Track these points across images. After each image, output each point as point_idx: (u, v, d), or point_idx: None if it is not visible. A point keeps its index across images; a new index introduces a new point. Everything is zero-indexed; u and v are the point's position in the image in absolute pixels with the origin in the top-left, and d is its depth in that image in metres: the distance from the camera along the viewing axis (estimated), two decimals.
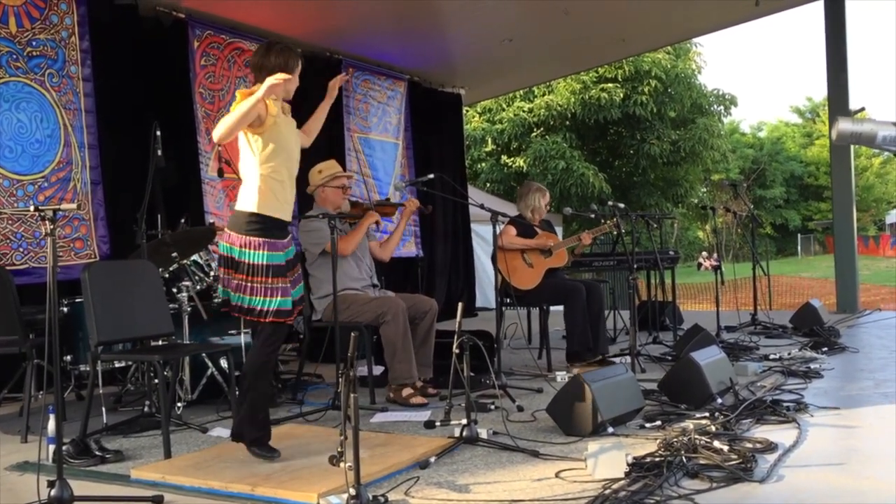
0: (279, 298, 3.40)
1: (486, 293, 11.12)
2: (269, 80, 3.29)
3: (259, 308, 3.39)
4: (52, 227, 2.90)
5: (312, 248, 4.91)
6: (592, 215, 6.17)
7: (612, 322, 7.52)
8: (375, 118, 9.10)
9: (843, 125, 1.79)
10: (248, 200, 3.42)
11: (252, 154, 3.43)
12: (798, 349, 5.94)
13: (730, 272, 7.70)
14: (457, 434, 3.65)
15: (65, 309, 4.76)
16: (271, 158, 3.43)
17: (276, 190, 3.44)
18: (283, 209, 3.48)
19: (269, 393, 3.50)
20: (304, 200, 4.98)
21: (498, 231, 5.16)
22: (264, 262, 3.37)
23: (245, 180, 3.47)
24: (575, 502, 2.76)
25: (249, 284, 3.38)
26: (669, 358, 5.77)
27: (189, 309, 4.72)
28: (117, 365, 4.91)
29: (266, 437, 3.48)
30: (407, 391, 4.64)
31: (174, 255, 4.77)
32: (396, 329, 4.64)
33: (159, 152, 4.47)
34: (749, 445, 3.29)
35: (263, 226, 3.39)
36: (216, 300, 5.07)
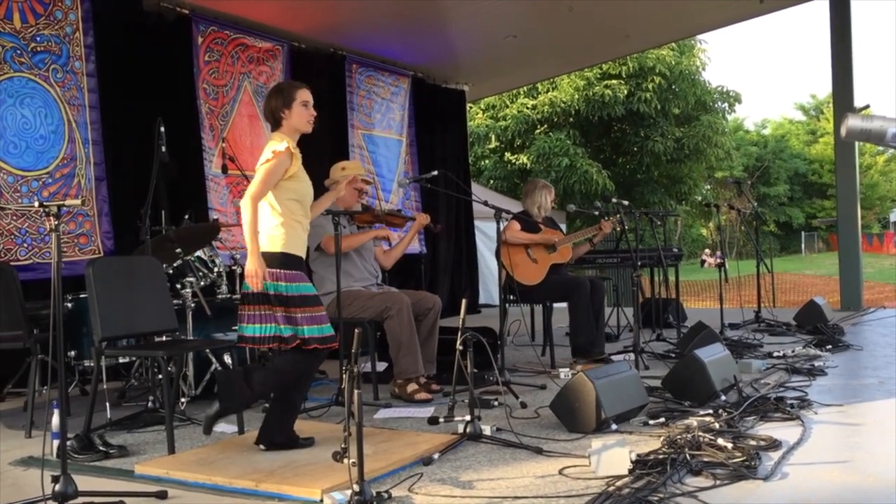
0: (317, 326, 3.50)
1: (489, 290, 11.12)
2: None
3: (303, 336, 3.46)
4: (56, 222, 2.90)
5: (309, 242, 4.90)
6: (596, 212, 6.15)
7: (615, 319, 7.52)
8: (379, 114, 9.10)
9: (853, 122, 1.78)
10: (273, 242, 3.50)
11: (270, 200, 3.52)
12: (802, 347, 5.93)
13: (733, 269, 7.70)
14: (460, 430, 3.65)
15: (69, 304, 4.77)
16: (293, 204, 3.54)
17: (297, 231, 3.56)
18: (303, 249, 3.62)
19: (296, 402, 3.64)
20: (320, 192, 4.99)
21: (501, 227, 5.15)
22: (297, 294, 3.46)
23: (264, 223, 3.52)
24: (578, 499, 2.76)
25: (289, 315, 3.45)
26: (673, 355, 5.77)
27: (193, 305, 4.73)
28: (121, 360, 4.92)
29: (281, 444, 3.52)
30: (411, 387, 4.65)
31: (178, 251, 4.77)
32: (401, 323, 4.64)
33: (163, 148, 4.47)
34: (753, 443, 3.28)
35: (289, 262, 3.50)
36: (220, 296, 5.08)
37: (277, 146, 3.46)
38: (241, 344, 3.59)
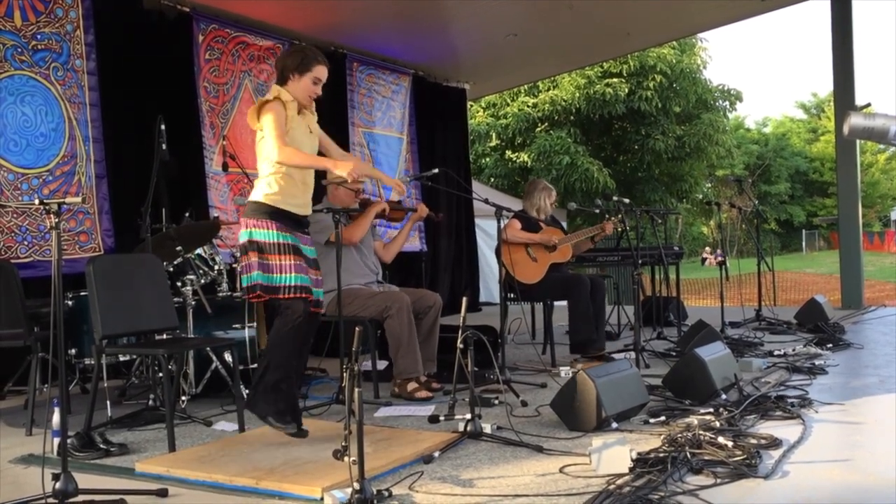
0: (294, 275, 3.49)
1: (489, 288, 11.12)
2: (344, 167, 3.53)
3: (277, 285, 3.48)
4: (56, 220, 2.90)
5: (318, 237, 4.90)
6: (597, 211, 6.14)
7: (616, 317, 7.52)
8: (380, 112, 9.10)
9: (855, 120, 1.78)
10: (258, 192, 3.57)
11: (263, 151, 3.56)
12: (802, 345, 5.93)
13: (734, 268, 7.69)
14: (461, 429, 3.65)
15: (69, 302, 4.77)
16: None
17: (285, 186, 3.55)
18: (294, 204, 3.59)
19: (285, 366, 3.53)
20: (317, 192, 5.00)
21: (502, 225, 5.15)
22: (275, 241, 3.48)
23: (259, 175, 3.60)
24: (579, 497, 2.75)
25: (266, 262, 3.47)
26: (674, 354, 5.77)
27: (193, 303, 4.73)
28: (122, 358, 4.92)
29: (282, 410, 3.49)
30: (412, 385, 4.64)
31: (178, 248, 4.77)
32: (401, 323, 4.64)
33: (164, 146, 4.46)
34: (753, 441, 3.28)
35: (273, 213, 3.51)
36: (220, 294, 5.08)
37: (267, 97, 3.52)
38: (251, 297, 3.56)
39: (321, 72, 3.60)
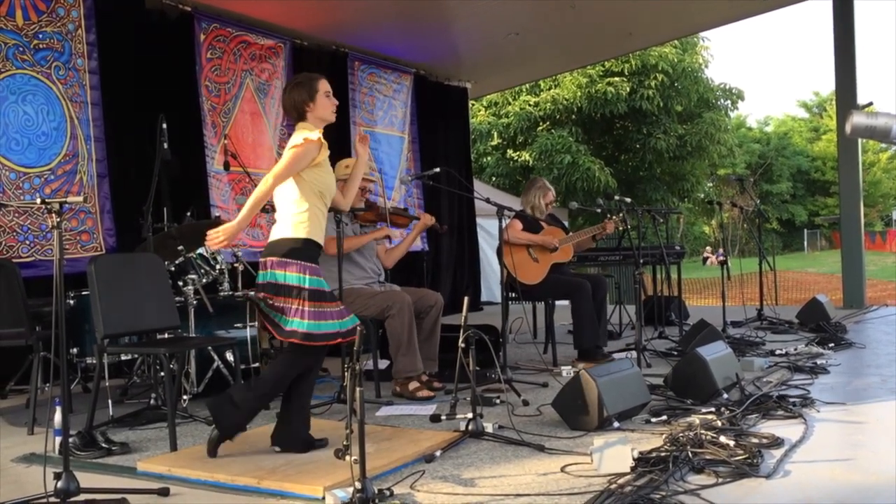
0: (337, 321, 3.43)
1: (491, 287, 11.11)
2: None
3: (328, 332, 3.39)
4: (58, 219, 2.90)
5: None
6: (598, 210, 6.14)
7: (617, 317, 7.51)
8: (381, 112, 9.09)
9: (858, 119, 1.78)
10: (298, 229, 3.44)
11: (297, 187, 3.47)
12: (804, 345, 5.92)
13: (736, 267, 7.68)
14: (462, 428, 3.65)
15: (71, 302, 4.77)
16: (317, 191, 3.50)
17: (320, 220, 3.52)
18: (322, 238, 3.55)
19: (264, 399, 3.55)
20: None
21: (504, 225, 5.15)
22: (307, 286, 3.38)
23: (287, 209, 3.48)
24: (580, 497, 2.75)
25: (316, 310, 3.38)
26: (675, 353, 5.76)
27: (195, 302, 4.73)
28: (123, 358, 4.92)
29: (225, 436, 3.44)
30: (413, 384, 4.65)
31: (180, 248, 4.77)
32: (402, 322, 4.64)
33: (165, 145, 4.46)
34: (755, 441, 3.28)
35: (308, 251, 3.44)
36: (222, 293, 5.08)
37: (310, 134, 3.44)
38: (292, 340, 3.39)
39: (326, 85, 3.63)
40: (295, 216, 3.46)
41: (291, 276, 3.37)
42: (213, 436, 3.42)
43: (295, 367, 3.47)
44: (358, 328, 2.76)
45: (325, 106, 3.60)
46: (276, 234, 3.47)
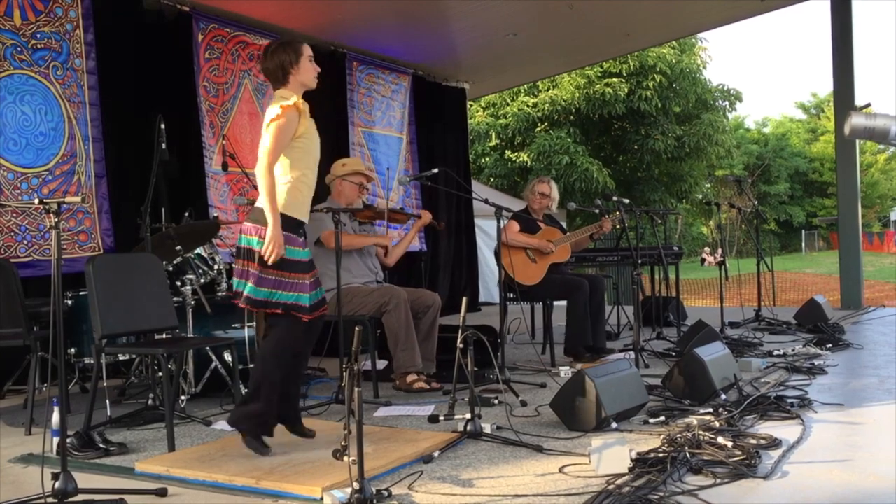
0: (292, 293, 3.41)
1: (489, 288, 11.12)
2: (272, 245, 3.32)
3: (273, 300, 3.39)
4: (56, 219, 2.90)
5: (309, 235, 4.90)
6: (596, 210, 6.15)
7: (615, 317, 7.52)
8: (379, 112, 9.09)
9: (857, 120, 1.78)
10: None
11: (284, 158, 3.45)
12: (802, 345, 5.93)
13: (734, 268, 7.69)
14: (460, 429, 3.65)
15: (69, 302, 4.77)
16: (301, 163, 3.48)
17: (303, 192, 3.50)
18: (304, 210, 3.54)
19: (274, 382, 3.46)
20: (320, 191, 4.99)
21: (502, 226, 5.15)
22: (257, 248, 3.36)
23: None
24: (578, 497, 2.75)
25: (265, 276, 3.37)
26: (673, 354, 5.77)
27: (193, 302, 4.73)
28: (121, 358, 4.92)
29: (261, 430, 3.44)
30: (411, 377, 4.69)
31: (178, 248, 4.76)
32: (399, 317, 4.65)
33: (163, 145, 4.46)
34: (753, 441, 3.28)
35: (285, 224, 3.40)
36: (220, 294, 5.08)
37: (285, 102, 3.42)
38: (237, 302, 3.43)
39: (309, 50, 3.60)
40: (277, 186, 3.43)
41: (251, 238, 3.38)
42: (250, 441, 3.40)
43: (277, 345, 3.44)
44: (356, 328, 2.76)
45: (308, 70, 3.56)
46: (258, 203, 3.46)
